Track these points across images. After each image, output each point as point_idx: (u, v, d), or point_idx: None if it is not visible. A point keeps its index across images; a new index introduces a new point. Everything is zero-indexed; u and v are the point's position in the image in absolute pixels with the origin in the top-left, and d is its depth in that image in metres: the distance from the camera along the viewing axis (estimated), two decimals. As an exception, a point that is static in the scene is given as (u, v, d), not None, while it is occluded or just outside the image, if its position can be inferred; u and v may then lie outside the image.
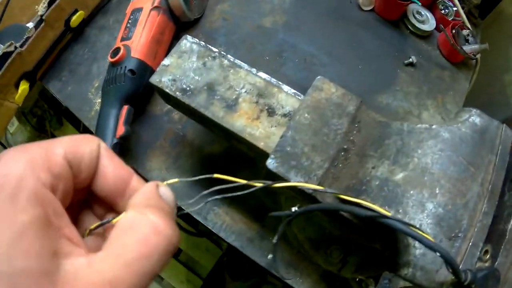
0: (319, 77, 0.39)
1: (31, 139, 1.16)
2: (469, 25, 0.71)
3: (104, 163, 0.24)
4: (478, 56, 0.71)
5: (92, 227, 0.25)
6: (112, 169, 0.24)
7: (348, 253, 0.49)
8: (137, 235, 0.20)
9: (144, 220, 0.21)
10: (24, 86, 0.58)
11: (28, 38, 0.56)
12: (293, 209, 0.29)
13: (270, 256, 0.28)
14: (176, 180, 0.27)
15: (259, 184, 0.27)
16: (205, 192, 0.26)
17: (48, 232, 0.18)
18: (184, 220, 1.01)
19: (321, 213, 0.44)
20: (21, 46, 0.55)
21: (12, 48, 0.55)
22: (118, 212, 0.25)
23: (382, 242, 0.43)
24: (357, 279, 0.49)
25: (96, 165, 0.24)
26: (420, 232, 0.24)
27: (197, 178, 0.28)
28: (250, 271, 0.96)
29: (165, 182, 0.26)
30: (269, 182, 0.27)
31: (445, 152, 0.34)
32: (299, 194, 0.37)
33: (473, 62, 0.73)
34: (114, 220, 0.24)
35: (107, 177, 0.24)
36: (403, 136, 0.35)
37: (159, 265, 0.20)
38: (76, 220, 0.26)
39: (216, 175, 0.26)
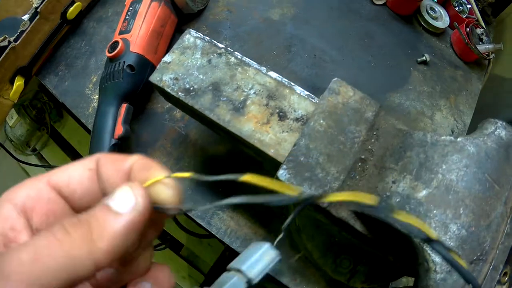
0: (335, 79, 0.36)
1: (30, 132, 1.13)
2: (483, 24, 0.68)
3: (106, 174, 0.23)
4: (492, 56, 0.68)
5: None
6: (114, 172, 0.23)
7: (358, 263, 0.47)
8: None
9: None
10: (19, 82, 0.56)
11: (22, 31, 0.53)
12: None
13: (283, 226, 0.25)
14: (187, 174, 0.22)
15: (294, 193, 0.21)
16: (225, 202, 0.22)
17: None
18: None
19: (330, 221, 0.42)
20: (15, 40, 0.52)
21: (5, 43, 0.52)
22: None
23: (394, 254, 0.40)
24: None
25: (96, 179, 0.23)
26: (459, 260, 0.21)
27: (218, 178, 0.22)
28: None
29: (172, 175, 0.22)
30: (314, 195, 0.22)
31: (471, 168, 0.31)
32: (310, 205, 0.34)
33: (485, 62, 0.70)
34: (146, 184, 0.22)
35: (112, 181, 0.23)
36: (426, 148, 0.32)
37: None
38: None
39: (245, 178, 0.21)
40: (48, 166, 1.12)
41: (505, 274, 0.30)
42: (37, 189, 0.22)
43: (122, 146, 0.50)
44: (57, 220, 0.21)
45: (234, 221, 0.51)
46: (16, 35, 0.52)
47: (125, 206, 0.21)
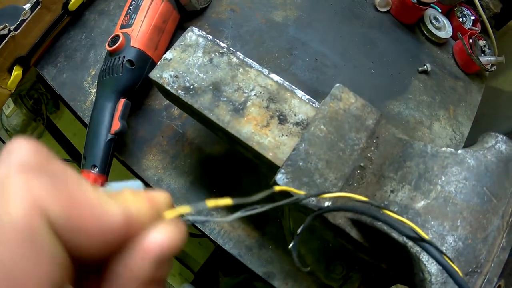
0: (338, 84, 0.36)
1: (26, 122, 1.11)
2: (492, 33, 0.68)
3: None
4: (494, 68, 0.68)
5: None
6: None
7: (350, 269, 0.47)
8: None
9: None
10: (17, 72, 0.55)
11: (23, 20, 0.52)
12: (326, 203, 0.25)
13: (291, 245, 0.25)
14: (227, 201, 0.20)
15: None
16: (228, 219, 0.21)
17: None
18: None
19: (326, 227, 0.42)
20: (15, 29, 0.52)
21: (5, 31, 0.51)
22: None
23: (388, 262, 0.40)
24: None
25: None
26: (453, 266, 0.21)
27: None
28: (241, 267, 0.93)
29: (209, 204, 0.19)
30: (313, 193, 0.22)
31: (470, 181, 0.31)
32: (303, 208, 0.34)
33: (486, 74, 0.71)
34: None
35: None
36: (426, 159, 0.32)
37: None
38: None
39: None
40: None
41: (499, 287, 0.30)
42: None
43: (118, 141, 0.49)
44: None
45: (228, 222, 0.51)
46: (16, 24, 0.52)
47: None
